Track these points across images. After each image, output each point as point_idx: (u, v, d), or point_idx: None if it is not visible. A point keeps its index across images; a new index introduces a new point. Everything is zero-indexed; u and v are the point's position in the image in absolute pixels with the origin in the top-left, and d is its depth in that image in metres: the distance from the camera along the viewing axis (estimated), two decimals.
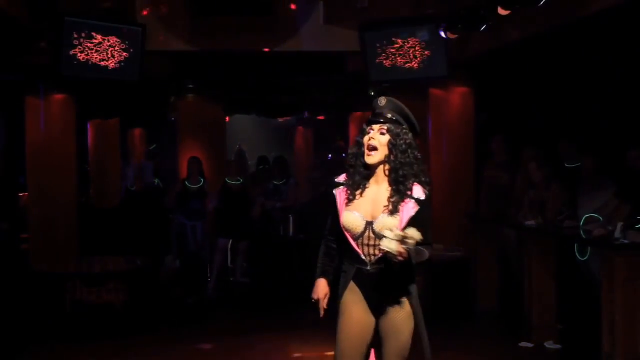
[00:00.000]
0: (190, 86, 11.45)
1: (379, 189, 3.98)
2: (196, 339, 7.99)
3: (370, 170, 3.98)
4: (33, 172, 9.99)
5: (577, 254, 7.43)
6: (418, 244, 3.74)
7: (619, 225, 6.40)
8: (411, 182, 3.91)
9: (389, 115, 3.95)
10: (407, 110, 4.01)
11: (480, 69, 9.62)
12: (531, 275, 7.66)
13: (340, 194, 4.02)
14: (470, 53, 9.25)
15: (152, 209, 11.95)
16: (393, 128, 3.92)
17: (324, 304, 4.06)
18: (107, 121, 12.87)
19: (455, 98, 10.02)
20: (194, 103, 11.60)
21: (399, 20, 9.53)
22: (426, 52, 9.31)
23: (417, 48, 9.34)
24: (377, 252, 3.89)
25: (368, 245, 3.94)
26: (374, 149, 3.92)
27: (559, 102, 9.19)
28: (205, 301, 9.81)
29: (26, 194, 10.58)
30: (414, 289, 3.98)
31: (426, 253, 3.87)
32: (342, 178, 4.06)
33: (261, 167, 13.40)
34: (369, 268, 3.94)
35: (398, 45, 9.45)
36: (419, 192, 3.92)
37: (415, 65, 9.43)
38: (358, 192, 3.97)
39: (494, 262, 8.95)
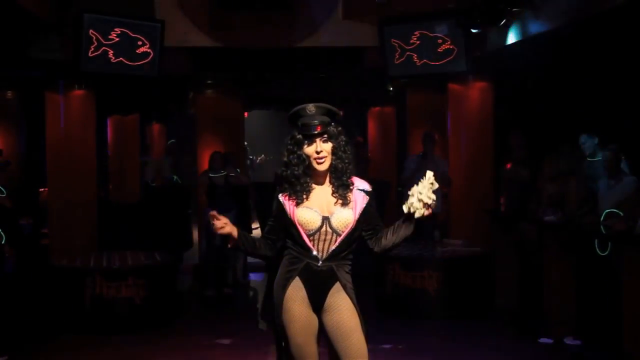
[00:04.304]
0: (209, 81, 11.46)
1: (322, 188, 4.02)
2: (215, 334, 8.01)
3: (310, 175, 4.01)
4: (53, 167, 10.04)
5: (597, 249, 7.38)
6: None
7: None
8: (349, 174, 4.00)
9: (324, 121, 3.97)
10: (329, 106, 4.05)
11: (500, 64, 9.56)
12: (551, 270, 7.63)
13: (285, 199, 4.01)
14: (489, 48, 9.20)
15: (171, 204, 11.97)
16: (331, 131, 3.98)
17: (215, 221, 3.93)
18: (126, 117, 12.93)
19: (475, 93, 9.98)
20: (213, 98, 11.61)
21: (418, 15, 9.51)
22: (445, 47, 9.29)
23: (436, 43, 9.32)
24: (332, 247, 3.93)
25: (324, 241, 3.94)
26: (325, 157, 3.97)
27: (579, 97, 9.12)
28: (225, 295, 9.82)
29: (46, 189, 10.64)
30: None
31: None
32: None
33: None
34: (319, 264, 3.93)
35: (417, 40, 9.42)
36: (362, 183, 4.04)
37: (435, 60, 9.41)
38: (305, 196, 3.99)
39: (514, 257, 8.91)
